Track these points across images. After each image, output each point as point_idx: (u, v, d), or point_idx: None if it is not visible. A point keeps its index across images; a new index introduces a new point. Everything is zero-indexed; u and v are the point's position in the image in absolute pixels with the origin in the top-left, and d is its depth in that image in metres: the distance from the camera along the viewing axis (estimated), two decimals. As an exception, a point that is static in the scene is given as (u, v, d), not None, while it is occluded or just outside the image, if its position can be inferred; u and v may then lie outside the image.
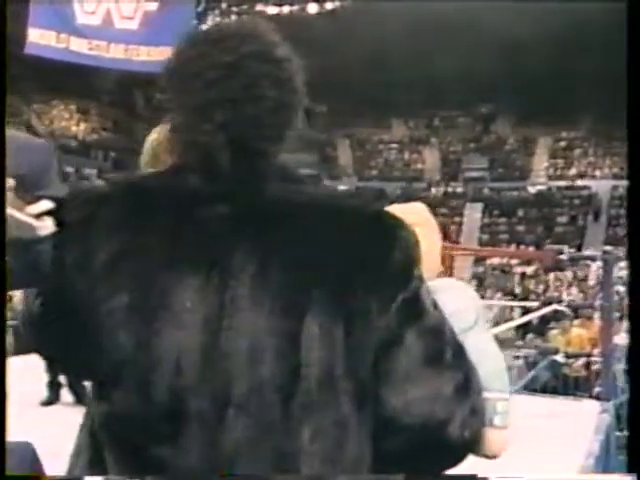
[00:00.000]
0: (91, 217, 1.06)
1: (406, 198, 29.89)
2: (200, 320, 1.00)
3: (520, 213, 28.51)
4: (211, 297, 1.00)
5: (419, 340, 1.07)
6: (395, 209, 1.64)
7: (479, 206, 29.35)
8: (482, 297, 17.48)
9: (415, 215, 1.53)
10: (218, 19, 15.49)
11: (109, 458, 1.04)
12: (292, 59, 1.11)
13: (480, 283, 22.27)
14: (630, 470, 1.33)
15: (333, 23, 26.35)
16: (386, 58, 28.34)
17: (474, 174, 31.05)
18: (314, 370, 1.00)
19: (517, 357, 9.15)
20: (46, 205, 1.18)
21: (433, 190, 30.68)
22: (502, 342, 10.18)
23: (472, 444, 1.12)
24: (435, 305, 1.12)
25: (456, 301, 1.31)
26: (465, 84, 28.43)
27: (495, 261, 24.30)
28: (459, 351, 1.12)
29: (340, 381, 1.02)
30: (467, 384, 1.11)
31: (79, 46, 12.86)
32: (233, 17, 16.24)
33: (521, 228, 27.80)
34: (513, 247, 24.97)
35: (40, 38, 12.39)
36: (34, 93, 26.47)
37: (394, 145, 33.45)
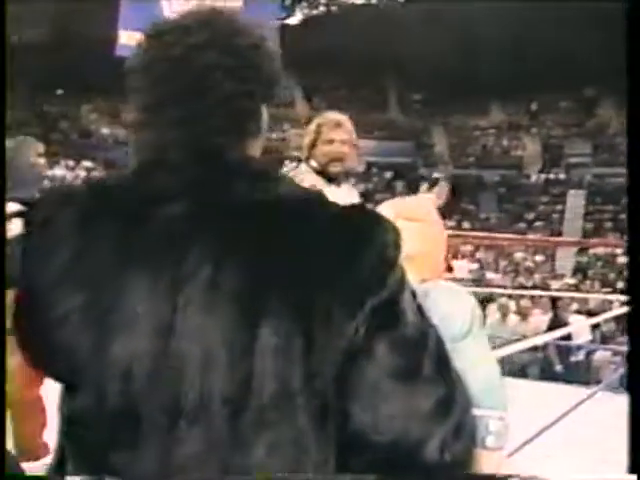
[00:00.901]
0: (52, 219, 1.02)
1: (506, 186, 29.30)
2: (151, 325, 0.95)
3: (625, 201, 27.14)
4: (163, 301, 0.95)
5: (392, 352, 0.98)
6: (394, 203, 1.47)
7: (582, 193, 28.26)
8: (584, 289, 16.92)
9: (414, 210, 1.39)
10: (306, 11, 15.37)
11: (70, 461, 1.01)
12: (258, 46, 1.06)
13: (584, 274, 21.46)
14: (630, 470, 1.32)
15: (425, 9, 25.90)
16: (481, 42, 27.65)
17: (576, 160, 29.89)
18: (268, 383, 0.93)
19: (615, 354, 8.65)
20: (13, 207, 1.17)
21: (533, 177, 29.77)
22: (603, 335, 9.81)
23: (455, 467, 1.00)
24: (419, 312, 1.03)
25: (448, 306, 1.23)
26: (566, 66, 27.34)
27: (599, 251, 23.39)
28: (442, 363, 1.02)
29: (298, 395, 0.94)
30: (450, 400, 1.00)
31: (168, 46, 13.11)
32: (321, 9, 16.11)
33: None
34: (617, 236, 23.90)
35: (130, 39, 12.76)
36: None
37: (492, 131, 32.69)
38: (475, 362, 1.16)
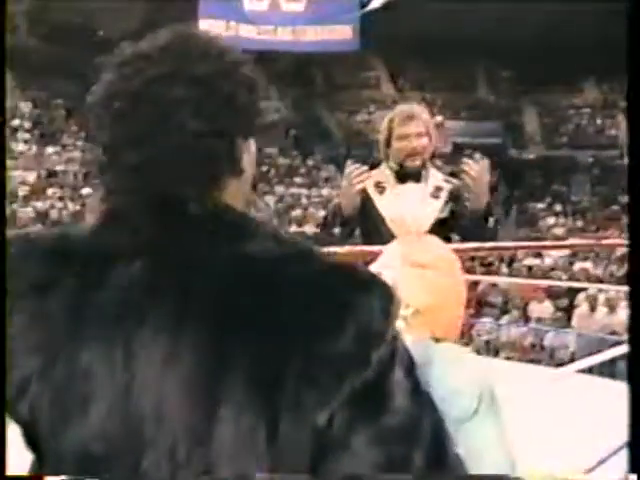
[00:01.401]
0: (12, 273, 0.91)
1: (599, 167, 28.12)
2: (104, 403, 0.85)
3: None
4: (119, 377, 0.85)
5: (373, 446, 0.84)
6: (403, 244, 1.29)
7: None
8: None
9: (424, 254, 1.21)
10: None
11: None
12: (230, 73, 0.92)
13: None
14: (630, 470, 1.28)
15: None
16: (575, 17, 26.51)
17: (677, 138, 28.29)
18: (226, 476, 0.82)
19: None
20: None
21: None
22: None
23: None
24: (414, 391, 0.87)
25: (454, 380, 1.06)
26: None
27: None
28: (440, 455, 0.87)
29: None
30: None
31: (248, 32, 13.26)
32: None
33: None
34: None
35: (210, 27, 12.87)
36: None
37: (586, 110, 31.35)
38: (484, 447, 0.99)
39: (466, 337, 8.65)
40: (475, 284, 10.76)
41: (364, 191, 3.06)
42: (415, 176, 3.08)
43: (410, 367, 0.89)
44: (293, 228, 19.85)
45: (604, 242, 7.36)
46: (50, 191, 18.93)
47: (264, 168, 25.71)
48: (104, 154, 0.92)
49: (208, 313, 0.85)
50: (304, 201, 23.33)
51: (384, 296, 0.87)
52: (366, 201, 3.05)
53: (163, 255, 0.89)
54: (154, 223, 0.90)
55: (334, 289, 0.86)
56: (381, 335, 0.85)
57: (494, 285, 10.80)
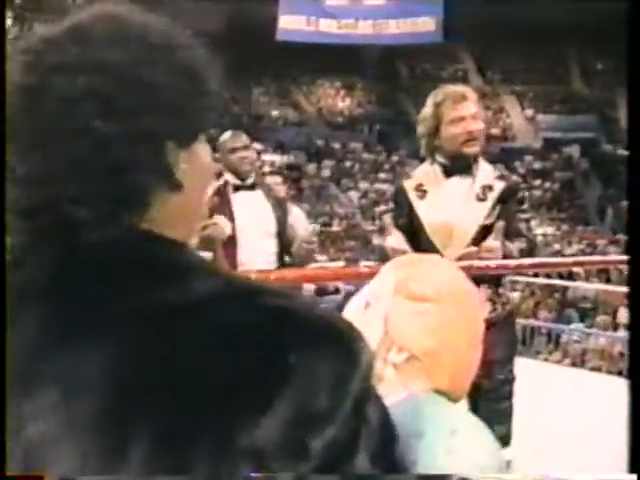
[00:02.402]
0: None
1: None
2: None
3: None
4: None
5: None
6: (402, 266, 1.03)
7: None
8: None
9: (423, 281, 0.95)
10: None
11: None
12: (160, 60, 0.70)
13: None
14: (630, 470, 1.27)
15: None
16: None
17: None
18: None
19: None
20: None
21: None
22: None
23: None
24: None
25: (451, 466, 0.78)
26: None
27: None
28: None
29: None
30: None
31: (328, 27, 13.08)
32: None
33: None
34: None
35: (290, 24, 12.79)
36: (302, 75, 27.87)
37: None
38: None
39: (552, 344, 8.19)
40: (564, 289, 10.26)
41: (401, 191, 2.71)
42: (466, 169, 2.62)
43: (383, 448, 0.66)
44: (377, 224, 19.59)
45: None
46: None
47: (348, 164, 25.49)
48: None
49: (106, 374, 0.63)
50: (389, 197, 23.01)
51: (341, 356, 0.63)
52: (409, 206, 2.68)
53: (59, 300, 0.67)
54: (53, 256, 0.69)
55: (267, 345, 0.63)
56: (328, 417, 0.61)
57: (581, 289, 10.26)
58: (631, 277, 1.45)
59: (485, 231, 2.56)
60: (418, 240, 2.60)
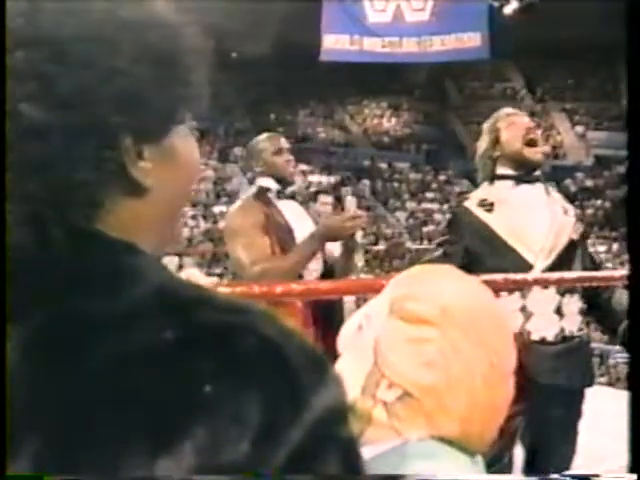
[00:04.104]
0: None
1: None
2: None
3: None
4: None
5: None
6: (400, 285, 0.86)
7: None
8: None
9: (423, 300, 0.78)
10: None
11: None
12: (116, 39, 0.60)
13: None
14: (630, 470, 1.24)
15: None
16: None
17: None
18: None
19: None
20: None
21: None
22: None
23: None
24: None
25: None
26: None
27: None
28: None
29: None
30: None
31: (372, 45, 13.03)
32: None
33: None
34: None
35: (334, 43, 12.76)
36: (347, 95, 27.91)
37: None
38: None
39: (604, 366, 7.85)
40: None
41: (461, 213, 2.64)
42: (533, 178, 2.61)
43: None
44: (425, 244, 19.36)
45: None
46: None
47: (395, 184, 25.32)
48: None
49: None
50: (437, 217, 22.76)
51: (277, 390, 0.53)
52: (466, 223, 2.59)
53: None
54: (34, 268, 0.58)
55: (181, 371, 0.53)
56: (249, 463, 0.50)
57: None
58: (631, 278, 1.43)
59: (571, 246, 2.61)
60: (497, 254, 2.52)
